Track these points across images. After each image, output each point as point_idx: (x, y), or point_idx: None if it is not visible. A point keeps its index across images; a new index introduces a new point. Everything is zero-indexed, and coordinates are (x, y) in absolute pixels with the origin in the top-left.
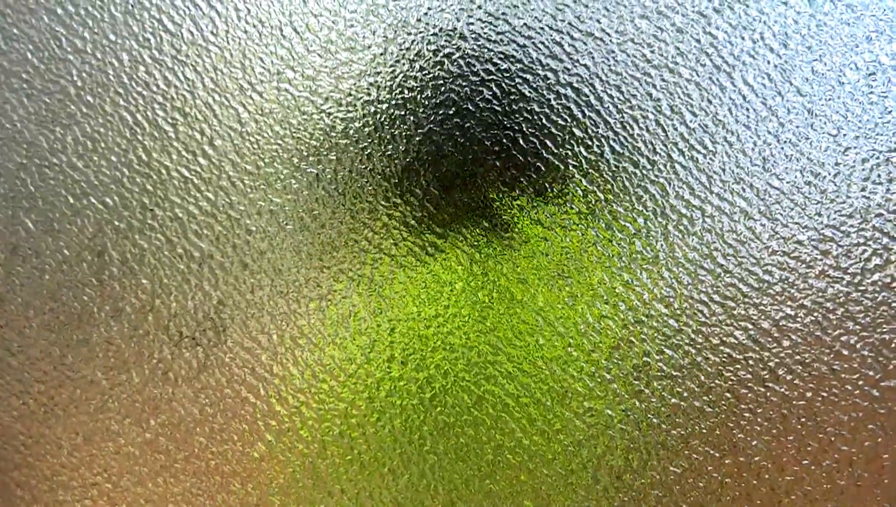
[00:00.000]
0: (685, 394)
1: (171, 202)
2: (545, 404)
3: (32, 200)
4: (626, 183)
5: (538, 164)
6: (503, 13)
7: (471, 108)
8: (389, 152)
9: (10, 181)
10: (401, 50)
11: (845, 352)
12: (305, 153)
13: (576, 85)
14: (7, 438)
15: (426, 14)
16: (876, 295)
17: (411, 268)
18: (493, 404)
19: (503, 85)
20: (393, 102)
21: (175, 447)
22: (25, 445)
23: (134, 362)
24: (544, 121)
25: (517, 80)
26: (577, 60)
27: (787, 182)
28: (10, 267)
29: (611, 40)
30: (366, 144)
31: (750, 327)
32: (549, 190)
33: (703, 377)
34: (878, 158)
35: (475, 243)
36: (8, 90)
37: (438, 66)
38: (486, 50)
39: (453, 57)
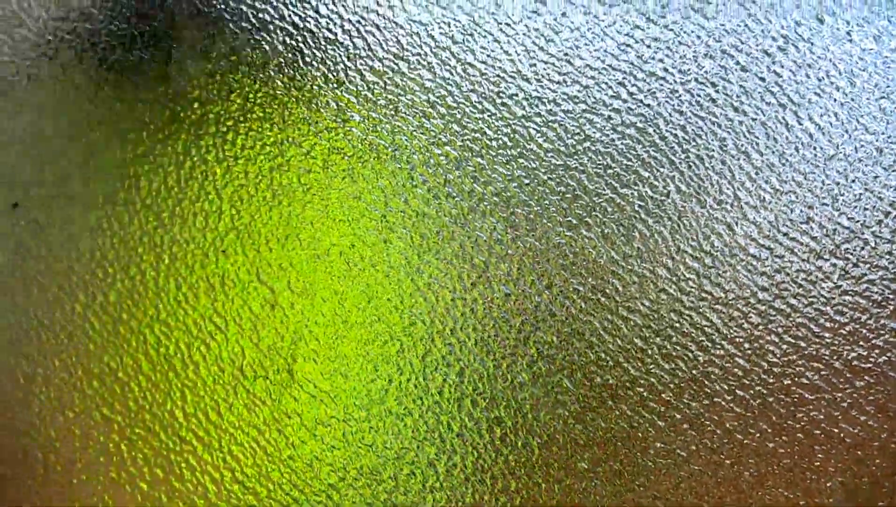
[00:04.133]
0: (757, 435)
1: (241, 245)
2: (612, 443)
3: None
4: (693, 223)
5: (603, 204)
6: (565, 55)
7: (535, 148)
8: (454, 195)
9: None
10: (464, 92)
11: None
12: (377, 201)
13: (640, 125)
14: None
15: (489, 56)
16: None
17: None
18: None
19: (566, 125)
20: (457, 144)
21: (255, 485)
22: (107, 490)
23: (212, 399)
24: (609, 161)
25: (581, 120)
26: (641, 100)
27: (857, 221)
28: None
29: (674, 80)
30: (429, 186)
31: (822, 367)
32: (615, 230)
33: (775, 418)
34: None
35: (537, 283)
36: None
37: (503, 107)
38: (549, 91)
39: (517, 98)
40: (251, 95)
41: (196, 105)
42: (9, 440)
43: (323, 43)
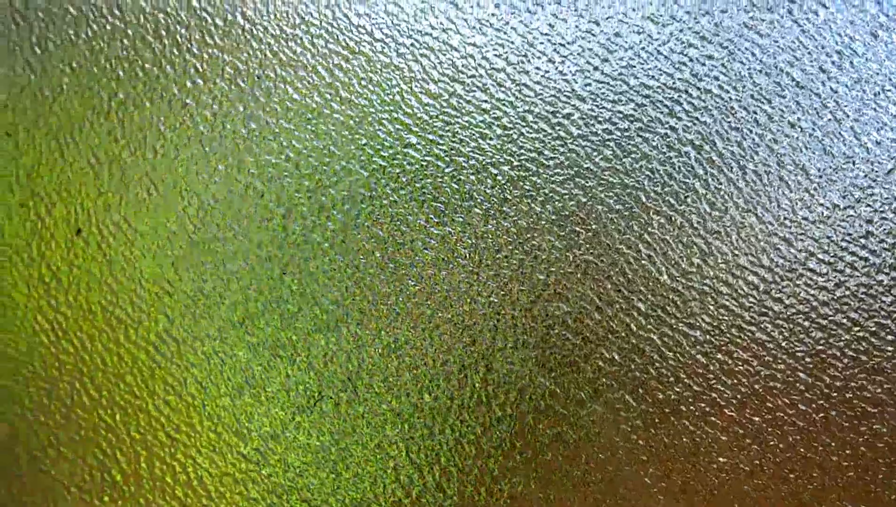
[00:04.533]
0: (820, 449)
1: (305, 267)
2: (675, 459)
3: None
4: (752, 239)
5: (662, 221)
6: (620, 74)
7: (591, 167)
8: (512, 214)
9: None
10: (519, 112)
11: None
12: (436, 220)
13: (696, 142)
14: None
15: (543, 77)
16: None
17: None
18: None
19: (623, 144)
20: (514, 164)
21: (321, 504)
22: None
23: (276, 419)
24: (666, 179)
25: (637, 138)
26: (697, 118)
27: None
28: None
29: (730, 97)
30: (488, 205)
31: (884, 380)
32: (674, 247)
33: (837, 432)
34: None
35: (609, 298)
36: (143, 159)
37: (558, 127)
38: (604, 110)
39: (572, 117)
40: (306, 119)
41: (254, 125)
42: (76, 459)
43: (379, 67)
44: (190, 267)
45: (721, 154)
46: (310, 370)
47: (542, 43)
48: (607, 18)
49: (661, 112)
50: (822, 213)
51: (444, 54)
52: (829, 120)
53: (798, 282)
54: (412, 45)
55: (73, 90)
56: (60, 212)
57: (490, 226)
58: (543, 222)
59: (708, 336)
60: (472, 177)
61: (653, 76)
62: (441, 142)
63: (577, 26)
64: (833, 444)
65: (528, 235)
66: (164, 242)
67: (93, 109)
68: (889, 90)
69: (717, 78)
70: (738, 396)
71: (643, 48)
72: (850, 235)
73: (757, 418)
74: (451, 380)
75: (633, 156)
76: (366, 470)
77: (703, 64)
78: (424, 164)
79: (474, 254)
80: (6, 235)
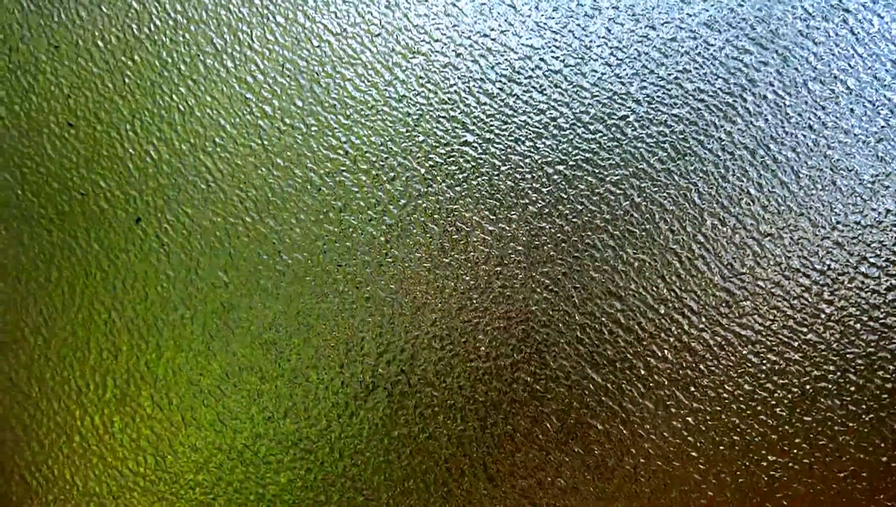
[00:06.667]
0: (870, 449)
1: (361, 260)
2: (726, 456)
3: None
4: (805, 242)
5: (714, 221)
6: (675, 78)
7: (646, 168)
8: (567, 212)
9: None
10: (575, 114)
11: None
12: (492, 217)
13: (751, 146)
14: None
15: (600, 79)
16: None
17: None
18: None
19: (677, 146)
20: (569, 163)
21: (367, 495)
22: (232, 499)
23: (331, 412)
24: (720, 181)
25: (692, 141)
26: (751, 122)
27: None
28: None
29: (785, 103)
30: (543, 203)
31: None
32: (727, 248)
33: (887, 433)
34: None
35: (657, 286)
36: (203, 153)
37: (614, 129)
38: (659, 112)
39: (628, 119)
40: (364, 115)
41: (312, 121)
42: (130, 443)
43: (437, 66)
44: (246, 258)
45: (775, 158)
46: (363, 361)
47: (599, 46)
48: (664, 24)
49: (717, 116)
50: (875, 217)
51: (502, 55)
52: (883, 127)
53: (850, 285)
54: (471, 45)
55: (135, 83)
56: (119, 202)
57: (545, 224)
58: (598, 222)
59: (759, 336)
60: (528, 176)
61: (708, 81)
62: (497, 141)
63: (633, 31)
64: (883, 445)
65: (583, 234)
66: (222, 233)
67: (153, 101)
68: None
69: (772, 84)
70: (790, 396)
71: (699, 53)
72: None
73: (808, 418)
74: (503, 374)
75: (687, 158)
76: (417, 460)
77: (759, 70)
78: (480, 161)
79: (529, 251)
80: (66, 222)
